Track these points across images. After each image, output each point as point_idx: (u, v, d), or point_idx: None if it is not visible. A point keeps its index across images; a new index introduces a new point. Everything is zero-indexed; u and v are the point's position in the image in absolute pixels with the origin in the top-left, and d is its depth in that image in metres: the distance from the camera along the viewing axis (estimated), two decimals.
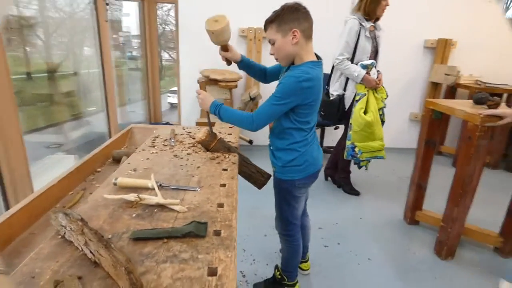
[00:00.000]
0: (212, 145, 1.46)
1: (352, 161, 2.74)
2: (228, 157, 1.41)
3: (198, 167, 1.28)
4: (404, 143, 4.12)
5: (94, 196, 1.02)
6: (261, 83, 3.64)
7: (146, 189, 1.07)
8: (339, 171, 2.96)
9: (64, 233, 0.80)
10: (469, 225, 2.14)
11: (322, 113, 2.72)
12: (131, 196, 0.97)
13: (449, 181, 2.05)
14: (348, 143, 2.59)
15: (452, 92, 3.81)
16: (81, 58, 3.20)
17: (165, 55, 10.85)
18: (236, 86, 3.37)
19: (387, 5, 2.45)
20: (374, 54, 2.60)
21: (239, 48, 3.62)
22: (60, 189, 1.16)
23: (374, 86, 2.49)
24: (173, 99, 10.39)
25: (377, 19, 2.53)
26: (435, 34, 3.75)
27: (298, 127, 1.38)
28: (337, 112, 2.62)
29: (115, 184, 1.06)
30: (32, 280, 0.66)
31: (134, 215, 0.92)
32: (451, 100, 2.50)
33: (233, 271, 0.72)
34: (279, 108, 1.29)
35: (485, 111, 1.84)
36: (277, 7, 1.34)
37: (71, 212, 0.83)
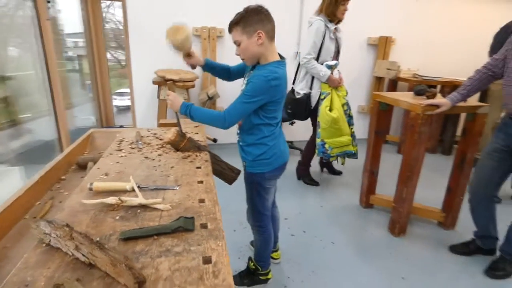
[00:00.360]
0: (182, 144, 1.48)
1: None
2: (200, 155, 1.45)
3: (172, 167, 1.30)
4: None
5: (69, 203, 1.00)
6: (218, 81, 3.68)
7: (123, 191, 1.07)
8: (303, 159, 3.09)
9: (50, 240, 0.79)
10: (416, 204, 2.38)
11: (289, 110, 2.81)
12: (112, 199, 0.97)
13: (396, 167, 2.27)
14: (318, 140, 2.73)
15: (393, 85, 4.14)
16: (10, 59, 2.95)
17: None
18: (193, 86, 3.37)
19: (345, 9, 2.58)
20: (336, 55, 2.75)
21: (193, 48, 3.67)
22: (27, 200, 1.12)
23: (337, 86, 2.66)
24: (120, 101, 9.92)
25: (339, 21, 2.65)
26: (376, 32, 4.05)
27: (266, 122, 1.45)
28: (304, 110, 2.74)
29: (90, 189, 1.05)
30: None
31: (117, 217, 0.93)
32: (395, 93, 2.75)
33: (226, 257, 0.77)
34: (250, 106, 1.36)
35: (425, 101, 2.06)
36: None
37: (54, 220, 0.82)
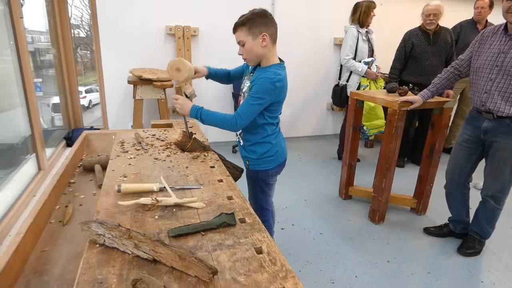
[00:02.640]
0: (188, 145, 1.51)
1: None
2: (208, 155, 1.49)
3: (187, 167, 1.34)
4: (324, 131, 4.62)
5: (101, 205, 1.01)
6: (193, 81, 3.68)
7: (151, 192, 1.10)
8: (340, 145, 3.63)
9: (104, 240, 0.81)
10: (392, 193, 2.59)
11: (332, 99, 3.57)
12: (147, 200, 1.00)
13: (367, 160, 2.45)
14: None
15: None
16: None
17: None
18: (172, 86, 3.34)
19: (373, 15, 3.21)
20: (371, 53, 3.31)
21: (167, 47, 3.66)
22: (49, 205, 1.11)
23: (374, 78, 3.21)
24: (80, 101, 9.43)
25: (368, 25, 3.25)
26: (341, 33, 4.25)
27: (269, 122, 1.53)
28: (340, 97, 3.40)
29: (119, 191, 1.07)
30: (102, 285, 0.69)
31: (156, 216, 0.96)
32: (370, 91, 2.95)
33: (275, 246, 0.85)
34: (258, 107, 1.42)
35: (400, 98, 2.26)
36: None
37: (105, 221, 0.84)
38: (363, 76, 3.25)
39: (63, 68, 3.93)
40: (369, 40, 3.31)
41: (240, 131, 1.61)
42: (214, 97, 3.88)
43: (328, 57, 4.35)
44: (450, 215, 2.32)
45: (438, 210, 2.65)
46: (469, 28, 3.47)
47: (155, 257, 0.76)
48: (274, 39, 1.46)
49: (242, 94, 1.58)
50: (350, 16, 3.31)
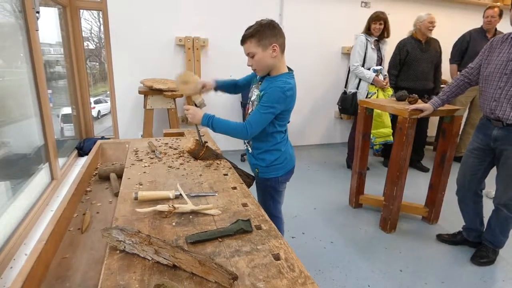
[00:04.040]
0: (201, 153, 1.53)
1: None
2: (221, 163, 1.51)
3: (201, 175, 1.36)
4: (332, 139, 4.62)
5: (119, 213, 1.02)
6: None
7: (167, 199, 1.12)
8: (348, 153, 3.64)
9: (124, 247, 0.83)
10: (403, 202, 2.57)
11: (340, 107, 3.57)
12: (164, 207, 1.02)
13: (376, 167, 2.44)
14: None
15: None
16: None
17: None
18: (182, 96, 3.39)
19: (377, 28, 3.25)
20: (380, 61, 3.36)
21: (177, 58, 3.72)
22: (68, 213, 1.13)
23: (382, 86, 3.25)
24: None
25: (380, 36, 3.32)
26: (350, 42, 4.29)
27: (278, 130, 1.55)
28: (351, 105, 3.38)
29: (136, 198, 1.09)
30: None
31: (174, 223, 0.98)
32: (379, 99, 2.96)
33: (293, 253, 0.85)
34: (269, 116, 1.44)
35: (411, 106, 2.26)
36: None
37: (125, 227, 0.86)
38: (371, 84, 3.29)
39: (76, 79, 4.01)
40: (379, 49, 3.36)
41: (249, 139, 1.63)
42: (223, 106, 3.91)
43: (337, 66, 4.38)
44: (464, 223, 2.29)
45: (451, 219, 2.62)
46: (479, 37, 3.48)
47: (175, 263, 0.77)
48: (283, 49, 1.49)
49: (250, 102, 1.59)
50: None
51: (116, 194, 1.32)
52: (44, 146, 2.75)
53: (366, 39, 3.28)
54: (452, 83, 2.17)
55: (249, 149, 1.65)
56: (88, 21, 13.40)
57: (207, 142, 1.58)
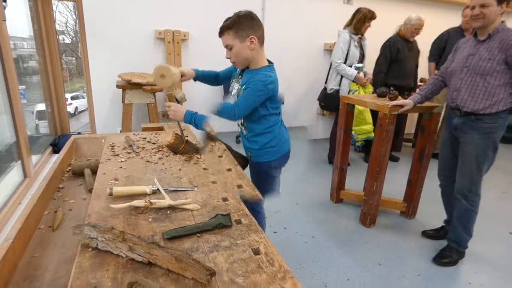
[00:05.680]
0: (181, 147, 1.50)
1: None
2: (215, 144, 1.51)
3: (180, 169, 1.32)
4: (315, 135, 4.65)
5: (92, 209, 0.98)
6: (183, 84, 3.66)
7: (144, 195, 1.08)
8: (330, 148, 3.62)
9: (97, 244, 0.79)
10: (382, 197, 2.61)
11: (322, 104, 3.53)
12: (140, 202, 0.98)
13: (358, 163, 2.46)
14: None
15: None
16: None
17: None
18: (162, 90, 3.31)
19: (369, 26, 3.26)
20: (362, 59, 3.38)
21: (157, 51, 3.63)
22: (38, 210, 1.07)
23: (363, 83, 3.25)
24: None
25: (362, 34, 3.29)
26: (332, 38, 4.30)
27: (271, 112, 1.53)
28: (334, 102, 3.27)
29: (110, 194, 1.04)
30: None
31: (150, 219, 0.94)
32: (360, 95, 2.99)
33: (273, 247, 0.84)
34: (253, 103, 1.44)
35: (391, 102, 2.29)
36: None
37: (97, 224, 0.82)
38: (352, 81, 3.30)
39: (49, 75, 3.86)
40: (361, 47, 3.37)
41: (243, 121, 1.59)
42: (205, 101, 3.86)
43: (319, 62, 4.38)
44: (442, 218, 2.34)
45: (428, 214, 2.68)
46: (456, 36, 3.55)
47: (151, 260, 0.74)
48: (261, 41, 1.47)
49: (232, 97, 1.57)
50: (349, 20, 3.35)
51: (90, 190, 1.26)
52: (16, 144, 2.62)
53: (350, 36, 3.26)
54: (428, 81, 2.23)
55: (243, 131, 1.63)
56: (63, 14, 12.97)
57: (187, 136, 1.54)
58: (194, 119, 1.42)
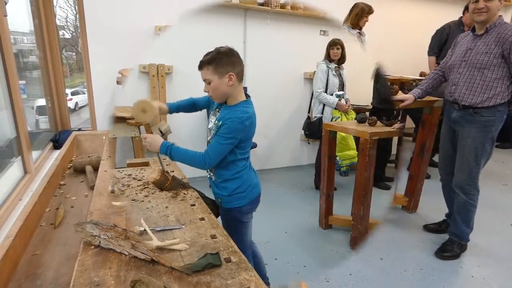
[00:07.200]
0: (167, 184, 1.44)
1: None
2: (188, 192, 1.43)
3: (167, 207, 1.25)
4: (300, 161, 4.52)
5: (94, 206, 0.98)
6: (168, 116, 3.57)
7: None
8: (316, 174, 3.57)
9: (99, 242, 0.79)
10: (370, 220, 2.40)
11: (307, 132, 3.53)
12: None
13: (344, 187, 2.40)
14: None
15: None
16: None
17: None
18: (146, 123, 3.24)
19: (367, 20, 3.32)
20: (341, 87, 3.40)
21: (141, 84, 3.59)
22: (39, 207, 1.07)
23: (345, 110, 3.30)
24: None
25: (339, 61, 3.35)
26: (311, 68, 4.09)
27: (239, 158, 1.48)
28: (318, 130, 3.27)
29: (112, 191, 1.03)
30: (99, 287, 0.66)
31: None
32: (342, 122, 2.98)
33: (263, 285, 0.80)
34: (227, 146, 1.39)
35: (394, 97, 2.28)
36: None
37: (100, 221, 0.82)
38: (334, 108, 3.32)
39: (49, 70, 3.84)
40: (340, 75, 3.40)
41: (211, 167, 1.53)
42: (189, 133, 3.75)
43: (300, 90, 4.31)
44: (443, 212, 2.35)
45: (429, 207, 2.67)
46: (457, 30, 3.52)
47: (154, 258, 0.74)
48: (240, 78, 1.44)
49: (208, 130, 1.54)
50: (346, 16, 3.37)
51: (92, 187, 1.26)
52: (16, 139, 2.61)
53: (327, 66, 3.31)
54: (429, 75, 2.24)
55: (212, 177, 1.56)
56: (64, 8, 12.90)
57: (172, 171, 1.49)
58: (170, 150, 1.39)
